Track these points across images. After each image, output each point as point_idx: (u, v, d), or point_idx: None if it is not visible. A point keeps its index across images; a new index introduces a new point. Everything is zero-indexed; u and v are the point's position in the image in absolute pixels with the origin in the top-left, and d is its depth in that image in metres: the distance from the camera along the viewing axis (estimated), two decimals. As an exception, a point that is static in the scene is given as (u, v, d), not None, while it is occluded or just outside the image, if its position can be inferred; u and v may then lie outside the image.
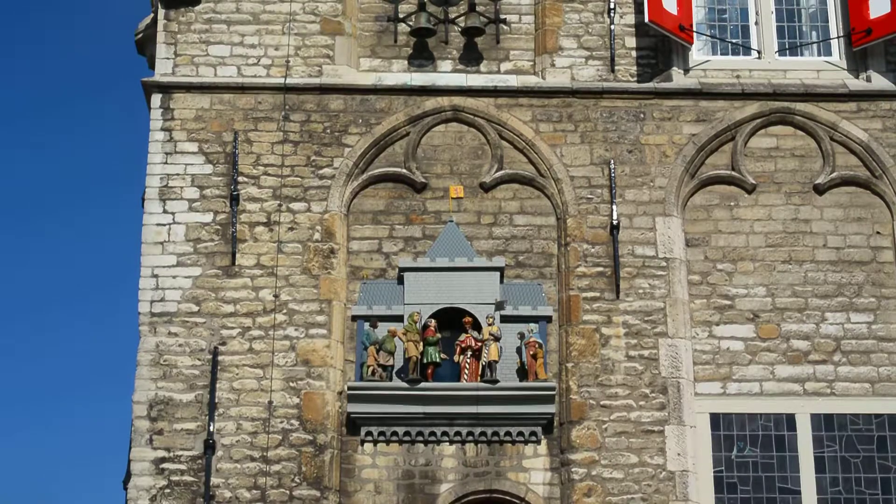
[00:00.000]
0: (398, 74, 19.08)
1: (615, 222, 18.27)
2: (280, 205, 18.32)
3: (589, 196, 18.48)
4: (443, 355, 17.52)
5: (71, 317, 43.34)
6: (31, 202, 43.95)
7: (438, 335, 17.52)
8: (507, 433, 17.52)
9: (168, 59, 18.91)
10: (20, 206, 43.80)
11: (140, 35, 20.02)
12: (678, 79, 19.05)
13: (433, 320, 17.59)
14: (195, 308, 17.87)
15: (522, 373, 17.60)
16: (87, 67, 45.78)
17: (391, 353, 17.49)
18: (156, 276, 17.99)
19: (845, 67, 19.32)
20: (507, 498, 17.41)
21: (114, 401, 43.76)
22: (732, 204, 18.66)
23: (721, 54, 19.52)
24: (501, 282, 18.03)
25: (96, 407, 42.48)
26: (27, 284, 43.23)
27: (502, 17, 19.27)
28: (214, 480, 17.20)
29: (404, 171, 18.61)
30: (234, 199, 18.23)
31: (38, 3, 44.60)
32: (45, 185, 44.56)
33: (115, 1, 44.38)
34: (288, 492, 17.21)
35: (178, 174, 18.39)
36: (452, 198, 18.59)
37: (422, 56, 19.25)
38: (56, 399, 43.00)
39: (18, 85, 44.37)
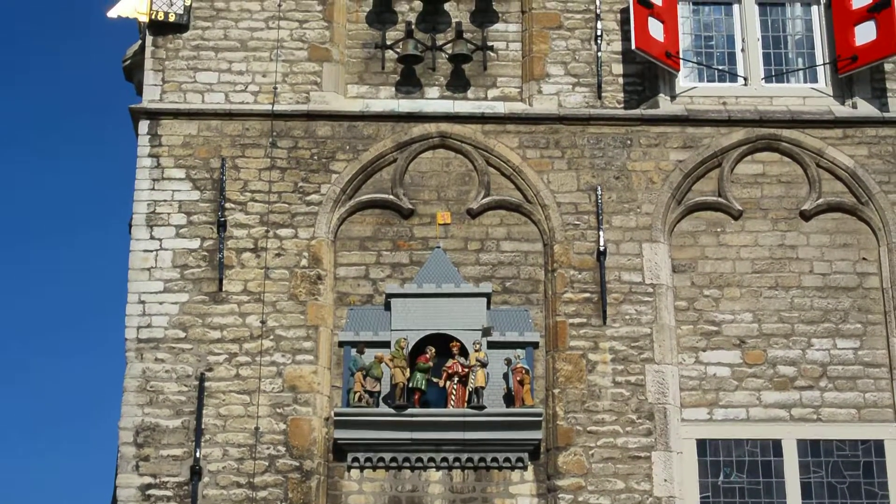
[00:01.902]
0: (385, 101, 19.12)
1: (602, 248, 18.28)
2: (267, 231, 18.33)
3: (576, 222, 18.51)
4: (433, 379, 17.50)
5: (57, 342, 43.35)
6: (18, 227, 44.00)
7: (431, 363, 17.51)
8: (494, 459, 17.49)
9: (156, 85, 18.94)
10: (6, 232, 43.86)
11: (128, 61, 20.07)
12: (665, 105, 19.10)
13: (432, 348, 17.58)
14: (182, 334, 17.85)
15: (509, 399, 17.59)
16: (75, 93, 45.92)
17: (378, 380, 17.48)
18: (143, 302, 17.98)
19: (831, 94, 19.37)
20: (494, 524, 17.42)
21: (100, 427, 43.72)
22: (719, 230, 18.69)
23: (707, 81, 19.58)
24: (488, 308, 18.04)
25: (82, 433, 42.46)
26: (13, 310, 43.24)
27: (489, 44, 19.33)
28: (201, 507, 17.19)
29: (391, 197, 18.63)
30: (222, 226, 18.24)
31: (26, 30, 44.72)
32: (32, 210, 44.63)
33: (102, 27, 44.60)
34: (274, 518, 17.19)
35: (165, 200, 18.40)
36: (439, 224, 18.61)
37: (409, 83, 19.29)
38: (42, 425, 42.98)
39: (4, 111, 44.47)
